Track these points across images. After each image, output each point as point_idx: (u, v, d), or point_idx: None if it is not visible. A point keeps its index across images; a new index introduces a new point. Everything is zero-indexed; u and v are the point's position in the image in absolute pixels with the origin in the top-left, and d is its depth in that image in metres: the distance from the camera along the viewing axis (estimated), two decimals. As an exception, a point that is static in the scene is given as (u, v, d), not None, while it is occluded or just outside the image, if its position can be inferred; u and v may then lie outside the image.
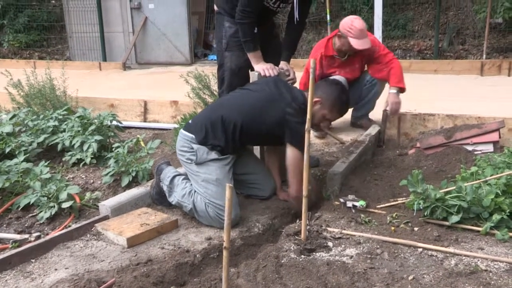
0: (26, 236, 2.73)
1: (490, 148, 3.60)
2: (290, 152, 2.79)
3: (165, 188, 2.94)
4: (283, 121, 2.76)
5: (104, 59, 9.72)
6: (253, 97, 2.92)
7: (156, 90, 6.73)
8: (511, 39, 8.01)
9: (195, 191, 2.81)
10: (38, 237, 2.70)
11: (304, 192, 2.38)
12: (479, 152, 3.57)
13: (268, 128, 2.81)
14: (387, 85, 4.18)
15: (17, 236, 2.73)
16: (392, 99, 4.02)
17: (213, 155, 2.81)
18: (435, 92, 5.90)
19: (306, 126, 2.34)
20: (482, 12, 7.75)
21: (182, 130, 2.97)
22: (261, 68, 3.17)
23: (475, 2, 8.53)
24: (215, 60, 9.54)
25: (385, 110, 4.27)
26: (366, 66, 4.33)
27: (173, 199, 2.91)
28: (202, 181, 2.79)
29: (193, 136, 2.86)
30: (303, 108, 2.71)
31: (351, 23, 3.93)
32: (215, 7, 3.46)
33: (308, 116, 2.32)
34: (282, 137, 2.81)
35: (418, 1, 9.03)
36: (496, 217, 2.49)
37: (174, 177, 2.93)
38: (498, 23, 8.17)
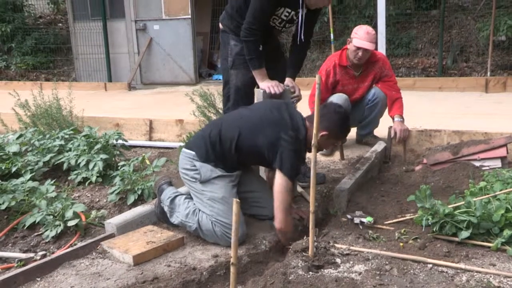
0: (32, 255, 2.71)
1: (498, 163, 3.57)
2: (278, 179, 2.69)
3: (166, 208, 2.92)
4: (276, 145, 2.70)
5: (110, 80, 9.81)
6: (254, 116, 2.90)
7: (161, 109, 6.77)
8: (515, 56, 8.03)
9: (199, 210, 2.79)
10: (44, 256, 2.68)
11: (311, 208, 2.35)
12: (487, 167, 3.54)
13: (260, 148, 2.75)
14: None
15: (23, 255, 2.71)
16: (399, 127, 4.13)
17: (218, 172, 2.79)
18: (440, 109, 5.90)
19: (313, 142, 2.33)
20: (485, 30, 7.79)
21: (183, 149, 2.95)
22: (266, 86, 3.18)
23: (478, 20, 8.58)
24: (219, 79, 9.60)
25: (390, 127, 4.27)
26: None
27: (175, 219, 2.88)
28: (208, 200, 2.77)
29: (194, 153, 2.85)
30: (300, 139, 2.74)
31: (359, 27, 4.06)
32: (220, 25, 3.49)
33: (314, 131, 2.30)
34: (272, 162, 2.73)
35: (421, 20, 9.08)
36: (507, 232, 2.45)
37: (175, 197, 2.91)
38: (501, 40, 8.20)
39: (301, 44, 3.35)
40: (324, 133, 2.79)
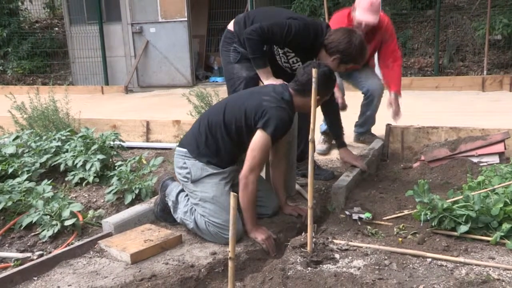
0: (29, 254, 2.69)
1: (495, 159, 3.57)
2: (256, 136, 2.65)
3: (170, 203, 2.90)
4: (260, 106, 2.68)
5: (107, 83, 9.79)
6: (237, 94, 2.99)
7: (158, 111, 6.75)
8: (511, 55, 8.04)
9: (195, 209, 2.78)
10: (41, 256, 2.66)
11: (309, 204, 2.34)
12: (485, 163, 3.54)
13: (245, 114, 2.70)
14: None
15: (19, 255, 2.70)
16: (394, 101, 3.99)
17: (209, 170, 2.75)
18: (437, 108, 5.90)
19: (310, 137, 2.32)
20: (480, 29, 7.81)
21: (177, 147, 2.92)
22: (271, 83, 3.14)
23: (473, 20, 8.60)
24: (216, 81, 9.62)
25: (388, 125, 4.26)
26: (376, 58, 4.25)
27: (177, 215, 2.87)
28: (199, 200, 2.74)
29: (186, 150, 2.82)
30: (284, 99, 2.73)
31: None
32: (231, 27, 3.38)
33: (311, 126, 2.30)
34: (256, 123, 2.67)
35: (416, 20, 9.11)
36: (506, 226, 2.44)
37: (179, 192, 2.90)
38: (497, 39, 8.22)
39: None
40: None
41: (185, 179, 2.81)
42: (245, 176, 2.64)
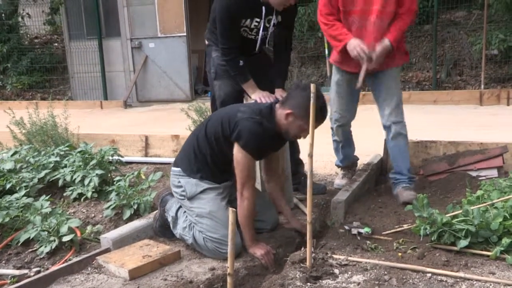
0: (26, 271, 2.67)
1: (494, 173, 3.57)
2: (235, 151, 2.62)
3: (169, 219, 2.89)
4: (233, 118, 2.64)
5: (106, 98, 9.83)
6: (219, 109, 3.01)
7: (157, 126, 6.77)
8: (507, 69, 8.10)
9: (194, 225, 2.76)
10: (38, 272, 2.64)
11: (308, 218, 2.34)
12: (484, 177, 3.54)
13: (222, 128, 2.67)
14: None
15: (16, 272, 2.68)
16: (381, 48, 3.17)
17: (204, 185, 2.74)
18: (435, 122, 5.92)
19: (309, 151, 2.32)
20: (477, 44, 7.89)
21: (172, 167, 2.92)
22: (257, 97, 3.17)
23: (470, 35, 8.68)
24: (215, 96, 9.64)
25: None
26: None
27: (177, 231, 2.86)
28: (196, 216, 2.73)
29: (180, 169, 2.82)
30: (262, 113, 2.67)
31: None
32: (206, 41, 3.54)
33: (310, 140, 2.30)
34: (230, 135, 2.64)
35: (414, 35, 9.18)
36: (506, 240, 2.43)
37: (178, 208, 2.89)
38: (494, 54, 8.29)
39: (281, 50, 3.37)
40: (288, 111, 2.63)
41: (182, 197, 2.80)
42: (239, 191, 2.65)
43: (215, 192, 2.76)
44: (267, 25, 3.26)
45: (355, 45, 3.15)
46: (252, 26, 3.24)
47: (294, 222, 3.02)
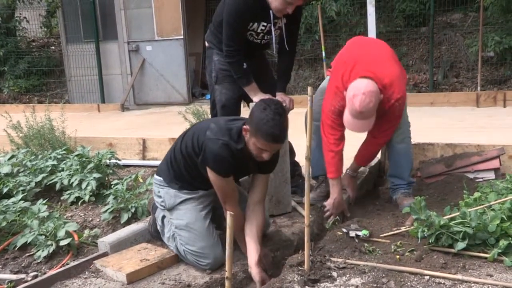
0: (23, 276, 2.67)
1: (491, 175, 3.58)
2: (208, 172, 2.52)
3: (158, 227, 2.88)
4: (201, 137, 2.56)
5: (103, 101, 9.80)
6: (199, 122, 2.90)
7: (155, 129, 6.76)
8: (503, 71, 8.13)
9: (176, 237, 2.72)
10: (35, 277, 2.64)
11: (306, 222, 2.34)
12: (481, 179, 3.55)
13: (193, 145, 2.60)
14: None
15: (13, 277, 2.67)
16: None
17: (182, 196, 2.68)
18: (432, 124, 5.92)
19: (306, 154, 2.32)
20: (473, 46, 7.92)
21: (154, 175, 2.88)
22: (260, 99, 3.17)
23: (466, 37, 8.71)
24: (212, 99, 9.64)
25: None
26: None
27: (164, 239, 2.84)
28: (175, 228, 2.69)
29: (161, 179, 2.76)
30: (229, 128, 2.52)
31: (353, 96, 2.85)
32: (206, 43, 3.53)
33: (307, 143, 2.30)
34: (198, 155, 2.57)
35: (410, 37, 9.21)
36: (503, 242, 2.44)
37: (164, 217, 2.84)
38: (490, 56, 8.32)
39: (285, 53, 3.36)
40: (245, 127, 2.47)
41: (162, 207, 2.78)
42: (223, 207, 2.62)
43: (195, 202, 2.69)
44: (273, 29, 3.27)
45: (330, 203, 3.18)
46: (259, 30, 3.25)
47: (254, 268, 2.50)
